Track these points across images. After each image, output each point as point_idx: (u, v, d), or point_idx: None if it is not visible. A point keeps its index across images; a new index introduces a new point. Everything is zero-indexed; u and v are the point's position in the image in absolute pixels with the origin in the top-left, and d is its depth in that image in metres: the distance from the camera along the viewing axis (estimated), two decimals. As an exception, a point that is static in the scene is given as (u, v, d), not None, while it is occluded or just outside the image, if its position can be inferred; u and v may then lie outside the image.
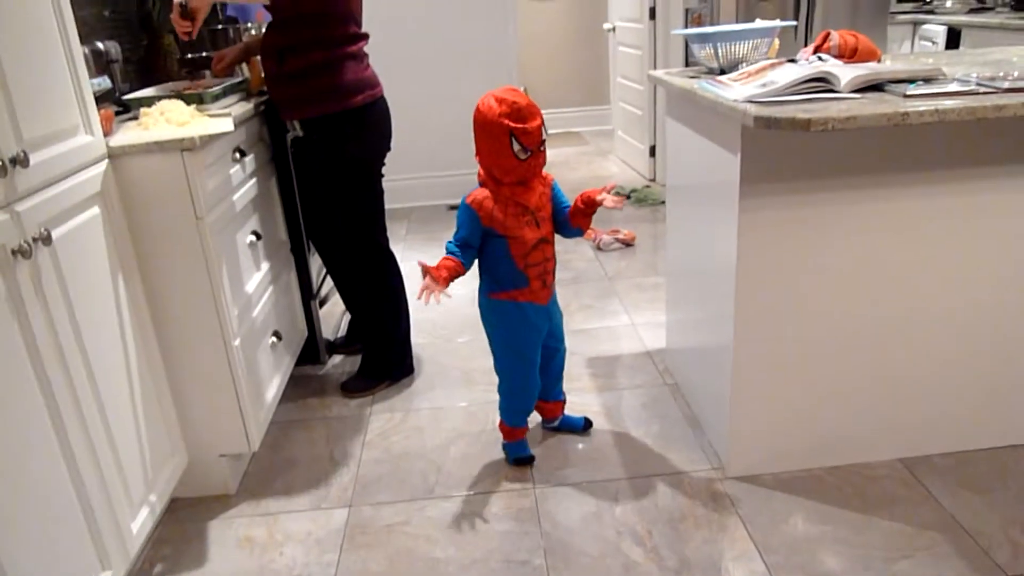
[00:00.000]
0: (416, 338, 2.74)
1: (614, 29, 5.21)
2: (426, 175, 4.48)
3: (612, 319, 2.87)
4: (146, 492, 1.67)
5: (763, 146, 1.62)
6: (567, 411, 2.18)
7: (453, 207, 4.40)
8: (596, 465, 2.00)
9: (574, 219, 1.85)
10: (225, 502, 1.96)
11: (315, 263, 2.59)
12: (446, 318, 2.94)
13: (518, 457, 2.05)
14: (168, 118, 1.78)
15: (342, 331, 2.87)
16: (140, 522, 1.62)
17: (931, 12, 4.23)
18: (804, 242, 1.71)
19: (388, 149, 2.34)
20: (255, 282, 2.06)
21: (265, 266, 2.17)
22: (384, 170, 2.34)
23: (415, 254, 3.67)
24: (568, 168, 5.28)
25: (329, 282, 2.75)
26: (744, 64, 1.93)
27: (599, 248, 3.61)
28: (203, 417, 1.88)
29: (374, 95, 2.20)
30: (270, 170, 2.31)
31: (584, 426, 2.16)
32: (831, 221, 1.70)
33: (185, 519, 1.91)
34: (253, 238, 2.06)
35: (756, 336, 1.78)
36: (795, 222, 1.69)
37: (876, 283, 1.76)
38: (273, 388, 2.14)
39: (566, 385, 2.18)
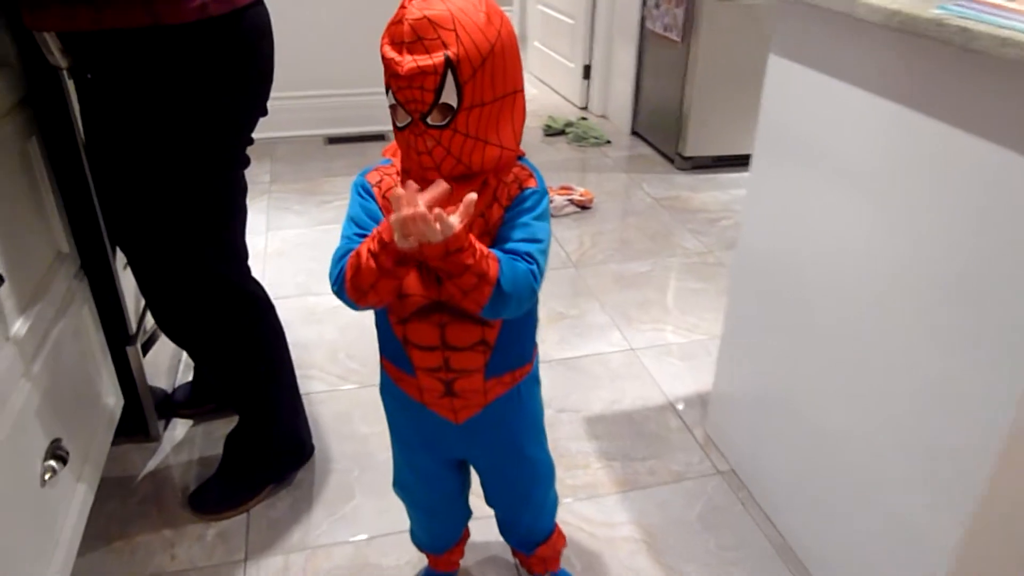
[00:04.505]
0: (308, 385, 1.73)
1: (532, -91, 4.10)
2: (295, 96, 3.26)
3: (599, 338, 1.98)
4: None
5: None
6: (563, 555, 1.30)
7: (334, 140, 3.27)
8: (670, 677, 1.15)
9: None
10: None
11: (130, 279, 1.48)
12: (356, 339, 1.92)
13: None
14: None
15: (184, 375, 1.80)
16: None
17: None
18: None
19: (262, 111, 1.25)
20: (-9, 377, 0.98)
21: (16, 326, 1.08)
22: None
23: (284, 214, 2.57)
24: (473, 88, 4.20)
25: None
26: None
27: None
28: None
29: (234, 2, 1.10)
30: (24, 125, 1.18)
31: None
32: None
33: None
34: (-20, 285, 0.96)
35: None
36: None
37: None
38: (60, 556, 1.10)
39: (569, 480, 1.30)
